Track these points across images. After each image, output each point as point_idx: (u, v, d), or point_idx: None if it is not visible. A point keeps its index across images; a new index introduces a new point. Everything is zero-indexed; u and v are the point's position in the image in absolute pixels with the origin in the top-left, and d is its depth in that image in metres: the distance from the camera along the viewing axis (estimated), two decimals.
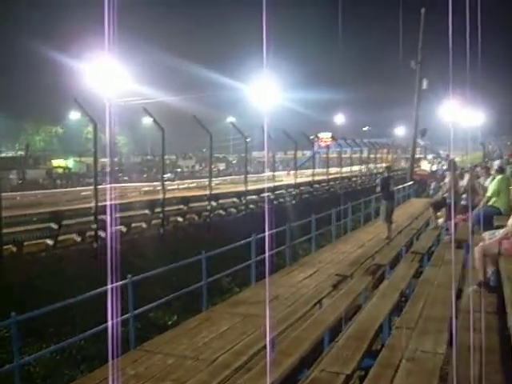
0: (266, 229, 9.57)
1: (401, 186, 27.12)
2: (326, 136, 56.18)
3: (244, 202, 22.02)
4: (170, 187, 28.36)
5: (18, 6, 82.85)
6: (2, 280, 11.24)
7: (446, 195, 15.01)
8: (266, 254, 10.34)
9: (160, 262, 10.51)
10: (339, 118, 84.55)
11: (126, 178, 44.78)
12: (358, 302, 9.82)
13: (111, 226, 13.71)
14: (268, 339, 6.82)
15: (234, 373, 6.49)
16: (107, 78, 30.16)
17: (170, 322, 10.45)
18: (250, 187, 23.27)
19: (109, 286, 7.11)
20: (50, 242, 14.11)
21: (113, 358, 6.24)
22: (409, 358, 6.06)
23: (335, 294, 9.81)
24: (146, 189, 33.95)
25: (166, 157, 18.78)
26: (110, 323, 6.65)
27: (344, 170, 38.96)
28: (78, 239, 14.83)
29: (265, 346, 6.86)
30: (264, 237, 10.58)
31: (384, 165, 36.85)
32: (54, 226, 14.29)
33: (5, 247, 12.35)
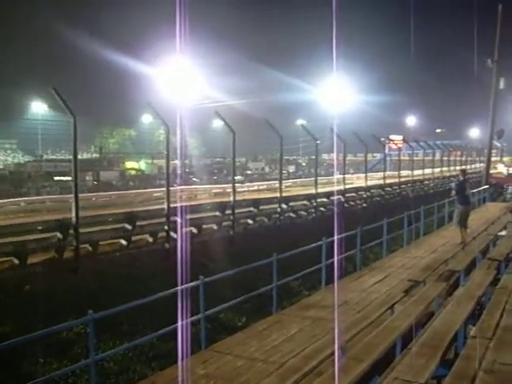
0: (335, 232, 9.48)
1: (475, 190, 26.27)
2: (397, 138, 55.27)
3: (314, 204, 21.90)
4: (240, 189, 28.58)
5: (92, 14, 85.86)
6: (79, 279, 11.63)
7: None
8: (335, 258, 10.21)
9: (230, 264, 10.60)
10: (411, 120, 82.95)
11: (196, 180, 45.42)
12: (431, 308, 9.54)
13: (182, 227, 13.95)
14: (338, 344, 6.72)
15: (302, 377, 6.44)
16: (179, 81, 30.77)
17: (239, 324, 10.49)
18: (320, 190, 23.12)
19: (179, 288, 7.23)
20: (123, 242, 14.46)
21: (183, 358, 6.33)
22: (486, 370, 5.83)
23: (407, 300, 9.58)
24: (217, 191, 34.36)
25: (236, 159, 18.87)
26: (179, 323, 6.77)
27: (416, 172, 38.15)
28: (151, 240, 15.13)
29: (335, 351, 6.76)
30: (336, 239, 10.48)
31: (458, 168, 35.88)
32: (127, 226, 14.64)
33: (81, 246, 12.75)
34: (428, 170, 40.94)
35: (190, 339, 6.82)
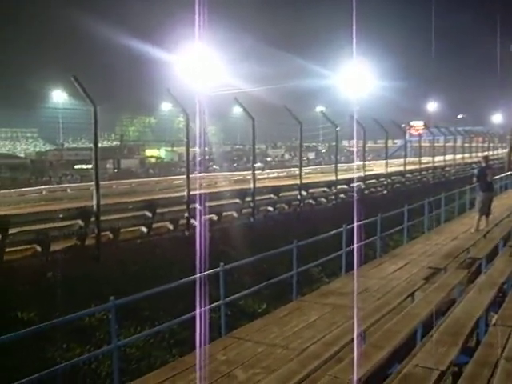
0: (355, 219, 9.45)
1: (498, 177, 25.97)
2: (417, 124, 54.78)
3: (334, 191, 21.83)
4: (259, 176, 28.58)
5: (112, 1, 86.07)
6: (100, 266, 11.74)
7: None
8: (355, 245, 10.19)
9: (250, 251, 10.62)
10: (432, 106, 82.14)
11: (216, 167, 45.51)
12: (452, 296, 9.47)
13: (202, 214, 13.99)
14: (358, 331, 6.72)
15: (323, 363, 6.44)
16: (198, 68, 30.75)
17: (259, 310, 10.53)
18: (340, 177, 23.02)
19: (197, 275, 7.27)
20: (144, 229, 14.55)
21: (201, 345, 6.38)
22: (508, 358, 5.78)
23: (428, 287, 9.52)
24: (236, 178, 34.41)
25: (255, 146, 18.85)
26: (199, 310, 6.81)
27: (437, 159, 37.79)
28: (171, 227, 15.20)
29: (356, 337, 6.76)
30: (356, 226, 10.46)
31: (480, 154, 35.44)
32: (148, 214, 14.71)
33: (102, 234, 12.85)
34: (449, 157, 40.55)
35: (209, 326, 6.87)
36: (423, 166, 34.22)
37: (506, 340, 6.28)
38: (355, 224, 9.31)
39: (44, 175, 42.57)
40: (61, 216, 13.35)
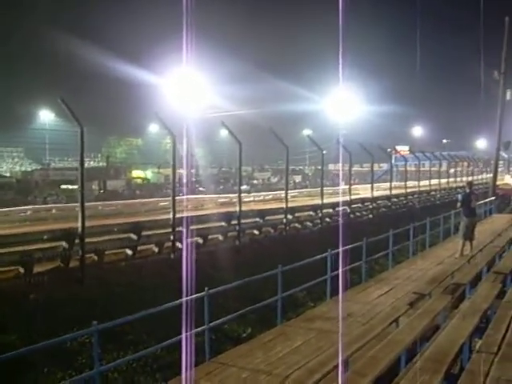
0: (340, 244, 9.48)
1: (482, 202, 26.18)
2: (403, 149, 55.21)
3: (320, 215, 21.88)
4: (246, 199, 28.58)
5: (100, 25, 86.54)
6: (84, 288, 11.64)
7: None
8: (340, 271, 10.22)
9: (235, 275, 10.60)
10: (417, 131, 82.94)
11: (202, 189, 45.45)
12: (437, 322, 9.49)
13: (188, 237, 13.97)
14: (342, 357, 6.71)
15: None
16: (186, 91, 30.90)
17: (244, 335, 10.48)
18: (326, 200, 23.08)
19: (183, 299, 7.24)
20: (129, 251, 14.49)
21: (187, 369, 6.33)
22: None
23: (412, 312, 9.54)
24: (223, 200, 34.35)
25: (242, 169, 18.89)
26: (183, 335, 6.77)
27: (422, 183, 38.06)
28: (156, 250, 15.15)
29: (340, 365, 6.74)
30: (341, 251, 10.49)
31: (465, 179, 35.76)
32: (133, 236, 14.67)
33: (87, 256, 12.77)
34: (434, 181, 40.87)
35: (194, 351, 6.82)
36: (409, 190, 34.42)
37: (489, 368, 6.30)
38: (340, 249, 9.34)
39: (29, 195, 42.24)
40: (45, 237, 13.26)
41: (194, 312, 7.40)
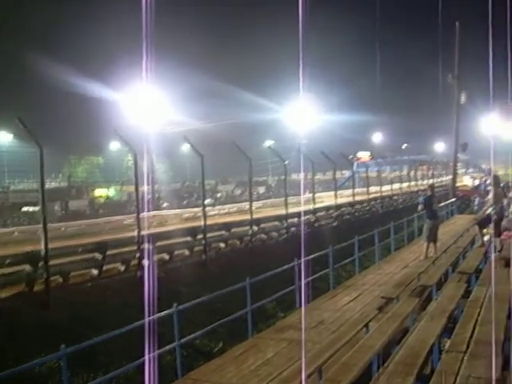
0: (302, 255, 9.50)
1: (443, 204, 26.65)
2: (364, 155, 55.91)
3: (285, 225, 21.95)
4: (210, 213, 28.47)
5: (56, 40, 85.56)
6: (51, 311, 11.43)
7: (490, 211, 14.68)
8: (302, 282, 10.31)
9: (203, 289, 10.56)
10: (377, 137, 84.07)
11: (166, 205, 45.13)
12: (406, 324, 9.59)
13: (153, 254, 13.85)
14: (314, 366, 6.71)
15: None
16: (146, 107, 30.72)
17: (215, 349, 10.42)
18: (291, 210, 23.16)
19: (149, 318, 7.13)
20: (95, 271, 14.28)
21: None
22: None
23: (381, 317, 9.61)
24: (187, 215, 34.16)
25: (205, 182, 18.85)
26: (150, 355, 6.68)
27: (384, 188, 38.56)
28: (122, 268, 14.97)
29: (312, 373, 6.74)
30: (308, 260, 10.55)
31: (425, 182, 36.33)
32: (98, 255, 14.46)
33: (52, 278, 12.54)
34: (396, 186, 41.45)
35: (163, 369, 6.74)
36: (371, 196, 34.82)
37: (459, 366, 6.39)
38: (302, 260, 9.38)
39: None
40: (7, 261, 12.97)
41: (164, 328, 7.31)
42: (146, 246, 14.45)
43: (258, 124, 73.91)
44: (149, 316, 7.11)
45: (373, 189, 37.53)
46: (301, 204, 29.08)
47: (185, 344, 8.68)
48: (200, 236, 17.42)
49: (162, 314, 7.55)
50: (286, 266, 11.44)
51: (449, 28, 35.94)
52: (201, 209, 18.03)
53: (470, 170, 64.14)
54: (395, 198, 39.06)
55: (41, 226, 12.24)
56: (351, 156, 44.34)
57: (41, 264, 12.28)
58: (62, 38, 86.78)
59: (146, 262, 14.26)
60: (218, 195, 62.58)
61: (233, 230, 19.88)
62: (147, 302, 7.01)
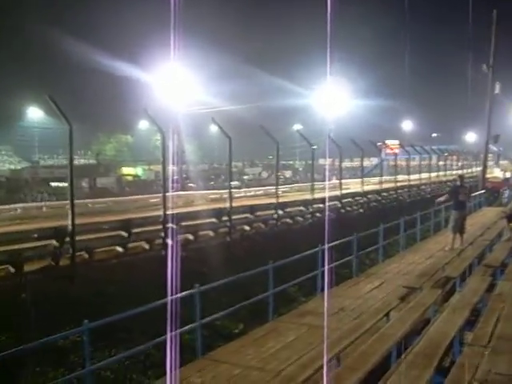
0: (326, 240, 9.48)
1: (472, 195, 26.29)
2: (393, 143, 55.27)
3: (310, 210, 21.89)
4: (236, 195, 28.52)
5: (88, 21, 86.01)
6: (75, 285, 11.60)
7: None
8: (326, 268, 10.28)
9: (226, 271, 10.59)
10: (407, 125, 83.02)
11: (193, 185, 45.34)
12: (427, 315, 9.53)
13: (178, 234, 13.93)
14: (333, 353, 6.72)
15: None
16: (175, 87, 30.80)
17: (236, 331, 10.48)
18: (317, 195, 23.08)
19: (171, 297, 7.19)
20: (120, 249, 14.43)
21: (176, 368, 6.30)
22: (481, 380, 5.81)
23: (403, 306, 9.58)
24: (213, 196, 34.26)
25: (232, 164, 18.86)
26: (172, 333, 6.74)
27: (412, 177, 38.14)
28: (147, 247, 15.09)
29: (331, 359, 6.75)
30: (332, 246, 10.51)
31: (455, 172, 35.87)
32: (123, 233, 14.61)
33: (77, 254, 12.71)
34: (424, 175, 40.95)
35: (185, 347, 6.81)
36: (399, 184, 34.49)
37: (480, 361, 6.33)
38: (326, 246, 9.37)
39: (19, 193, 41.96)
40: (35, 236, 13.18)
41: (185, 308, 7.37)
42: (170, 225, 14.52)
43: (286, 108, 73.68)
44: (171, 295, 7.21)
45: (400, 177, 37.17)
46: (327, 189, 28.95)
47: (206, 325, 8.74)
48: (225, 218, 17.48)
49: (184, 293, 7.60)
50: (309, 251, 11.42)
51: (485, 16, 35.21)
52: (227, 190, 18.06)
53: (504, 162, 63.07)
54: (423, 187, 38.60)
55: (68, 201, 12.39)
56: (379, 143, 43.81)
57: (67, 239, 12.45)
58: (92, 19, 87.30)
59: (169, 242, 14.39)
60: (245, 177, 62.59)
61: (258, 213, 19.88)
62: (170, 281, 7.10)
